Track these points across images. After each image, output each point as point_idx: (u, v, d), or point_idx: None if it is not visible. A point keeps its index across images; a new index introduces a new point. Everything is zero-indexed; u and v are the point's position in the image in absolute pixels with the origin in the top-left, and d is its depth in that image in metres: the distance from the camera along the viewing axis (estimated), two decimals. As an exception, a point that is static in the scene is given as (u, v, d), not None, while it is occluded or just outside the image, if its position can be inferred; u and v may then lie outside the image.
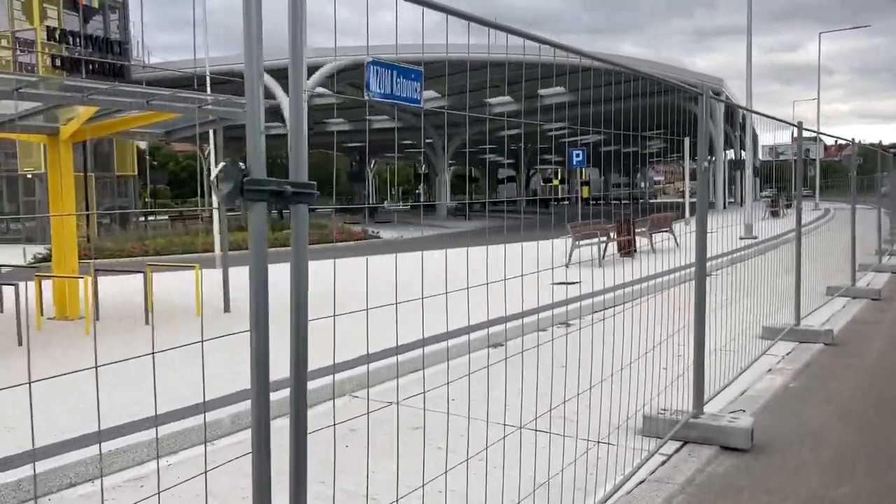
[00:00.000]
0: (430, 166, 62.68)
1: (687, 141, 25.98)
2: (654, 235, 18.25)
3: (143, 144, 48.74)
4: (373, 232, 30.04)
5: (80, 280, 10.52)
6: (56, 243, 10.98)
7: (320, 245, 25.11)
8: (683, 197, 33.83)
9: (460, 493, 3.94)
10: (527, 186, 79.80)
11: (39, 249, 20.94)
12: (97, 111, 10.17)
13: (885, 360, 8.21)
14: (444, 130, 51.48)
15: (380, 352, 6.98)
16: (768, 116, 9.88)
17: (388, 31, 2.75)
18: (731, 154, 52.29)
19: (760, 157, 44.40)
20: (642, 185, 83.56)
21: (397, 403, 4.22)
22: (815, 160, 50.57)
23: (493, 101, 44.08)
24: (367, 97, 2.29)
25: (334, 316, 2.63)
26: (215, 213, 18.50)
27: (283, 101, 33.24)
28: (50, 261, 12.49)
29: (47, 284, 10.81)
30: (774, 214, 34.30)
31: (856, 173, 13.79)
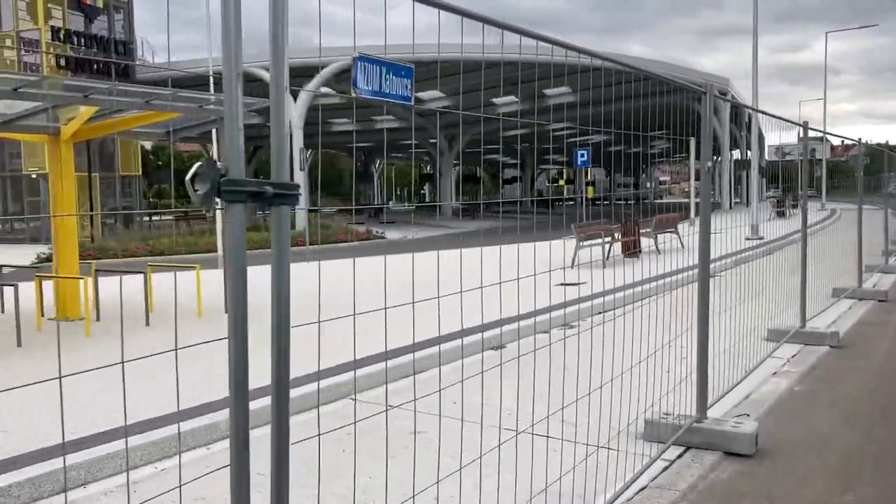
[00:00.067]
0: (435, 166, 62.64)
1: (693, 141, 25.85)
2: (658, 236, 18.15)
3: (148, 144, 48.81)
4: (378, 232, 29.96)
5: (80, 280, 10.48)
6: (57, 244, 10.95)
7: (324, 245, 25.07)
8: (689, 197, 33.69)
9: (454, 501, 3.86)
10: (532, 187, 79.67)
11: (43, 249, 20.95)
12: (97, 111, 10.13)
13: (891, 362, 8.11)
14: (447, 130, 51.45)
15: (364, 358, 6.93)
16: (774, 116, 9.78)
17: (395, 32, 2.67)
18: (737, 154, 52.10)
19: (767, 157, 44.13)
20: (648, 185, 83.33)
21: (386, 411, 4.14)
22: (821, 160, 50.32)
23: (498, 100, 44.01)
24: (353, 94, 2.21)
25: (318, 320, 2.55)
26: (218, 214, 18.45)
27: (288, 99, 33.22)
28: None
29: (48, 285, 10.78)
30: (780, 215, 34.11)
31: (862, 173, 13.68)
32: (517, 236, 5.07)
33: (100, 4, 33.32)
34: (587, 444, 4.78)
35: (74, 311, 10.58)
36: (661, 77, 5.12)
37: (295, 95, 29.48)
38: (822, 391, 6.90)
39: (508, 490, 3.93)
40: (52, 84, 10.57)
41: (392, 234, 29.35)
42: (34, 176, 30.80)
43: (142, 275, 10.66)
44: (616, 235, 16.98)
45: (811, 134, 10.24)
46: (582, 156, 28.46)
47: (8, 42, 31.05)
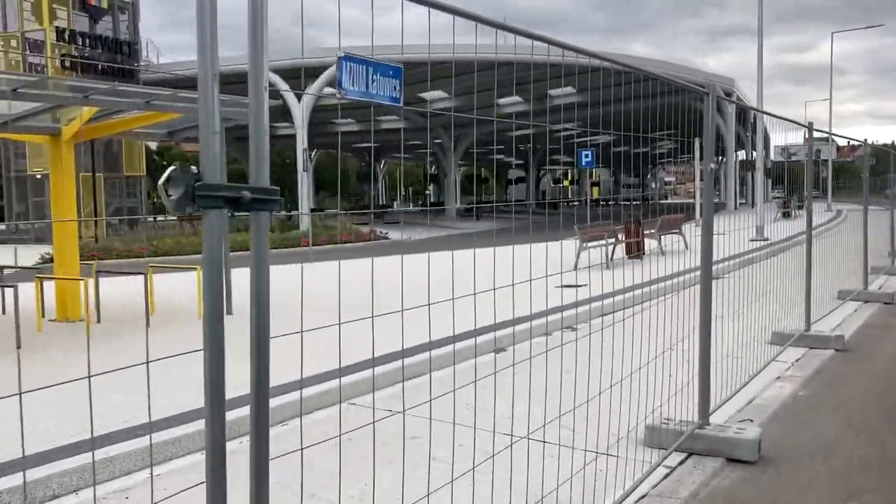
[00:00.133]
0: (439, 167, 62.60)
1: (697, 142, 25.74)
2: (663, 237, 18.06)
3: (153, 145, 48.87)
4: (381, 233, 29.92)
5: (80, 282, 10.45)
6: (58, 244, 10.92)
7: (329, 246, 25.05)
8: (694, 198, 33.56)
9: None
10: (537, 187, 79.55)
11: (48, 250, 20.94)
12: (98, 111, 10.10)
13: (897, 366, 8.01)
14: (456, 130, 51.37)
15: (355, 364, 6.86)
16: (779, 117, 9.68)
17: (396, 33, 2.60)
18: (742, 155, 51.91)
19: (772, 157, 43.95)
20: (653, 185, 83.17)
21: (373, 419, 4.08)
22: (827, 161, 50.10)
23: (502, 101, 43.93)
24: (338, 95, 2.15)
25: (300, 326, 2.49)
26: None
27: (291, 99, 33.28)
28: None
29: (49, 286, 10.74)
30: (786, 216, 33.97)
31: (868, 174, 13.56)
32: (513, 237, 5.01)
33: (105, 5, 33.31)
34: (586, 450, 4.71)
35: (75, 312, 10.54)
36: (662, 77, 5.05)
37: (298, 97, 29.49)
38: (827, 396, 6.81)
39: (504, 499, 3.86)
40: (53, 84, 10.52)
41: (395, 235, 29.30)
42: (38, 176, 30.84)
43: (142, 276, 10.61)
44: (619, 237, 16.89)
45: (816, 134, 10.14)
46: (587, 156, 28.38)
47: (13, 43, 31.07)
